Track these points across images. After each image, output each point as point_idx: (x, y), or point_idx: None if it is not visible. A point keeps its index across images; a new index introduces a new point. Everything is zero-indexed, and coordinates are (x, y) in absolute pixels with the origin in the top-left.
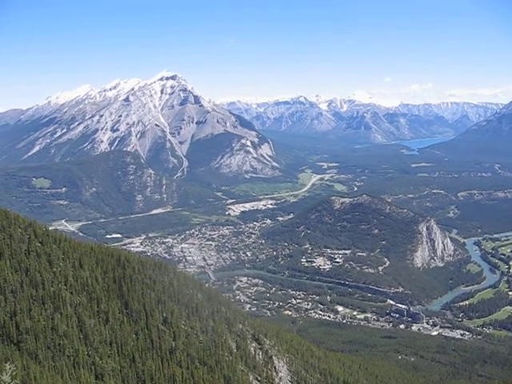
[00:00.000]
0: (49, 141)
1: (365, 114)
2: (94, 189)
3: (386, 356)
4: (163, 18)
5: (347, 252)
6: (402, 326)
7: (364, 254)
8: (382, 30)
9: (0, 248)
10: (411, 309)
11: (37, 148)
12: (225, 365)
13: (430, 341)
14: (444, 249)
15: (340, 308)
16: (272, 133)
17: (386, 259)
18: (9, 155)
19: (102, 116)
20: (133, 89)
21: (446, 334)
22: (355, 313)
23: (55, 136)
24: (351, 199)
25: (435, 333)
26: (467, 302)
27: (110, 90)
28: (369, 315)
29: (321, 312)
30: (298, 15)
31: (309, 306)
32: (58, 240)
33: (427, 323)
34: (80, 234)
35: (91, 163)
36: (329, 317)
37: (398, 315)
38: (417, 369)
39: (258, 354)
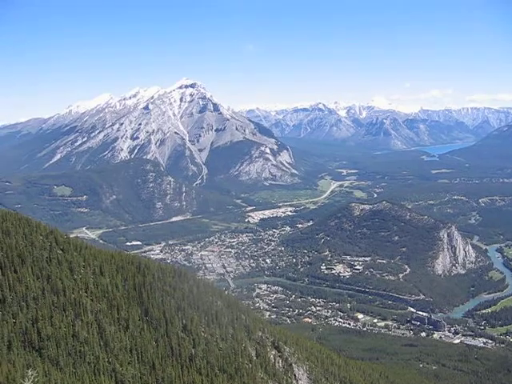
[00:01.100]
0: (70, 149)
1: (384, 121)
2: (115, 196)
3: (407, 364)
4: (182, 26)
5: (367, 259)
6: (423, 334)
7: (384, 261)
8: (402, 36)
9: (22, 255)
10: (432, 316)
11: (58, 156)
12: (244, 372)
13: (451, 349)
14: (465, 256)
15: (360, 315)
16: (291, 140)
17: (406, 266)
18: (31, 164)
19: (121, 124)
20: (152, 97)
21: (469, 343)
22: (375, 320)
23: (76, 144)
24: (371, 206)
25: (457, 341)
26: (490, 310)
27: (130, 98)
28: (389, 323)
29: (341, 319)
30: (317, 22)
31: (329, 314)
32: (78, 247)
33: (449, 331)
34: (100, 241)
35: (111, 171)
36: (349, 324)
37: (419, 323)
38: (439, 377)
39: (278, 362)
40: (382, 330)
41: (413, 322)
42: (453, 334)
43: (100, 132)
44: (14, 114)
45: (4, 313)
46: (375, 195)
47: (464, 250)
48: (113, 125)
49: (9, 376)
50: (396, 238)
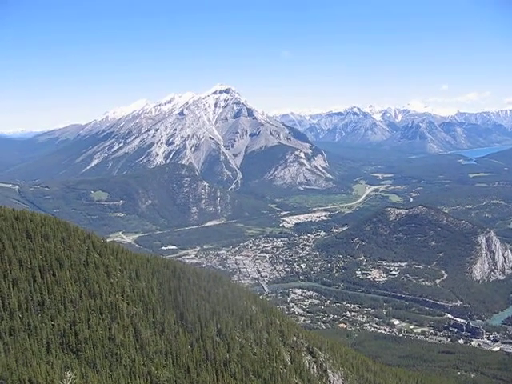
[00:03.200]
0: (106, 155)
1: (420, 124)
2: (150, 201)
3: (444, 372)
4: (218, 31)
5: (403, 264)
6: (460, 341)
7: (420, 267)
8: (439, 41)
9: (60, 259)
10: (470, 323)
11: (95, 162)
12: (279, 377)
13: (490, 357)
14: (505, 261)
15: (396, 321)
16: (325, 144)
17: (443, 272)
18: (68, 169)
19: (157, 130)
20: (187, 103)
21: (508, 350)
22: (412, 326)
23: (112, 150)
24: (407, 210)
25: (496, 348)
26: None
27: (165, 104)
28: (426, 329)
29: (376, 325)
30: (352, 28)
31: (364, 319)
32: (115, 251)
33: (488, 338)
34: (136, 245)
35: (147, 176)
36: (385, 330)
37: (456, 330)
38: None
39: (313, 367)
40: (419, 337)
41: (450, 328)
42: (492, 341)
43: (136, 137)
44: (52, 121)
45: (43, 315)
46: (411, 200)
47: (503, 255)
48: (148, 130)
49: (47, 377)
50: (433, 242)
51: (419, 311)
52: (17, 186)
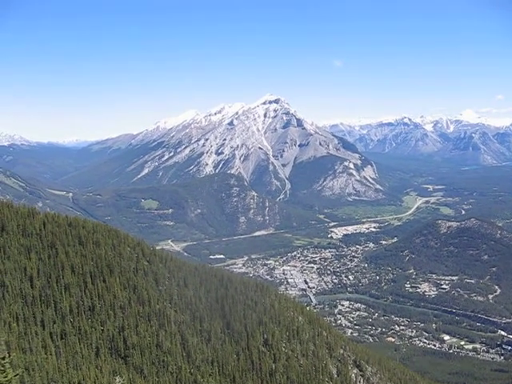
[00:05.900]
0: (157, 164)
1: (473, 135)
2: (199, 210)
3: None
4: (269, 41)
5: (454, 278)
6: None
7: (472, 281)
8: (492, 47)
9: (110, 265)
10: None
11: (146, 171)
12: None
13: None
14: None
15: (446, 337)
16: (375, 155)
17: (496, 287)
18: (120, 178)
19: (207, 140)
20: (237, 113)
21: None
22: (463, 343)
23: (163, 159)
24: (458, 223)
25: None
26: None
27: (215, 114)
28: (478, 346)
29: (426, 340)
30: (404, 40)
31: (413, 334)
32: (164, 259)
33: None
34: (185, 253)
35: (196, 185)
36: (434, 346)
37: (510, 347)
38: None
39: (360, 381)
40: (470, 353)
41: (503, 346)
42: None
43: (186, 147)
44: (105, 131)
45: (93, 320)
46: (463, 212)
47: None
48: (198, 140)
49: (96, 381)
50: (485, 256)
51: (470, 327)
52: (70, 194)
